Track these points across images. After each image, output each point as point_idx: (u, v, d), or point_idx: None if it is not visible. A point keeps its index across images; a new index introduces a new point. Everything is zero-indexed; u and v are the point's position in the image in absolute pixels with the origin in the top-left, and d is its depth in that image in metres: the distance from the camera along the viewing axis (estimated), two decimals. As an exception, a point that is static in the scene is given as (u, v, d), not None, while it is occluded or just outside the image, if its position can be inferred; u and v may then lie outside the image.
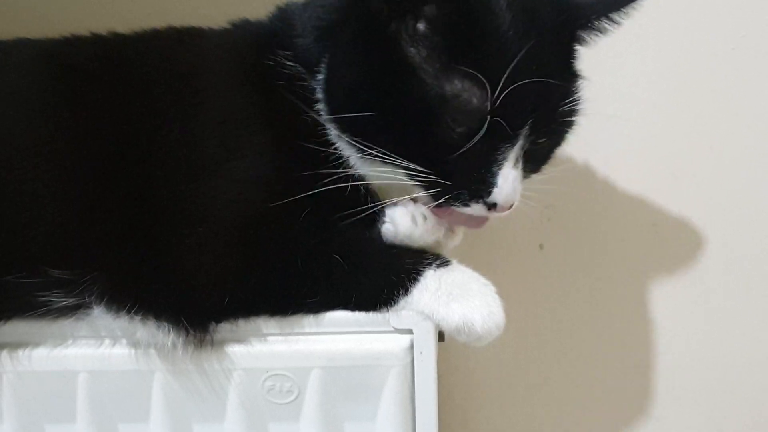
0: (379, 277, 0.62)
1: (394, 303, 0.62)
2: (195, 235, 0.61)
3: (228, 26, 0.71)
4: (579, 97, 0.64)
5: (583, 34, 0.67)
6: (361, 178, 0.64)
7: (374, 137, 0.61)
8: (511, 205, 0.62)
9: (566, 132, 0.66)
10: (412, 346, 0.63)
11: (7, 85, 0.66)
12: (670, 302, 0.97)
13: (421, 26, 0.59)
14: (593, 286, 0.97)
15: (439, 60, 0.58)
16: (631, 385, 1.01)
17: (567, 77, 0.64)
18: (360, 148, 0.61)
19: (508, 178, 0.60)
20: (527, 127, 0.60)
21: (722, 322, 0.98)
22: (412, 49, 0.59)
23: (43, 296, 0.61)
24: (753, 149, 0.92)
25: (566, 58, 0.65)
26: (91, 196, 0.63)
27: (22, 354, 0.64)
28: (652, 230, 0.95)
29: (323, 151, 0.63)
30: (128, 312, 0.61)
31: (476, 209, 0.62)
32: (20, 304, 0.62)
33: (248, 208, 0.62)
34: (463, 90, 0.58)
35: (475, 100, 0.58)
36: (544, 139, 0.63)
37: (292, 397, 0.64)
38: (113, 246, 0.62)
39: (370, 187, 0.65)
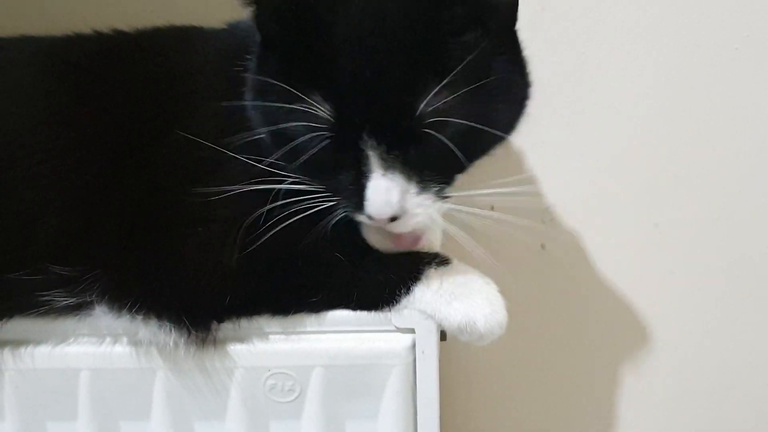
0: (381, 275, 0.62)
1: (396, 302, 0.62)
2: (196, 235, 0.61)
3: (224, 26, 0.71)
4: (446, 92, 0.54)
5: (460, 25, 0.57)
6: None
7: (271, 152, 0.60)
8: (394, 218, 0.57)
9: (471, 131, 0.56)
10: (413, 345, 0.63)
11: (10, 82, 0.66)
12: (672, 302, 0.97)
13: (284, 43, 0.58)
14: (595, 286, 0.97)
15: (294, 77, 0.56)
16: (632, 385, 1.01)
17: (423, 75, 0.54)
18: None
19: (377, 189, 0.56)
20: (367, 137, 0.55)
21: (724, 323, 0.98)
22: (281, 65, 0.58)
23: (45, 295, 0.61)
24: (756, 149, 0.92)
25: (423, 59, 0.55)
26: (93, 194, 0.63)
27: (24, 351, 0.64)
28: (653, 230, 0.95)
29: None
30: (130, 311, 0.61)
31: (363, 220, 0.59)
32: (22, 302, 0.62)
33: (249, 208, 0.62)
34: (307, 105, 0.55)
35: (316, 114, 0.55)
36: (415, 148, 0.56)
37: (293, 396, 0.64)
38: (115, 244, 0.62)
39: None
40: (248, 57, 0.63)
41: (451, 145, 0.55)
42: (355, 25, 0.55)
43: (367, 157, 0.56)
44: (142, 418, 0.65)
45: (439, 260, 0.63)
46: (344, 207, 0.59)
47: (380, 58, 0.54)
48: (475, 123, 0.55)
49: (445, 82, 0.54)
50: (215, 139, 0.63)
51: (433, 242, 0.67)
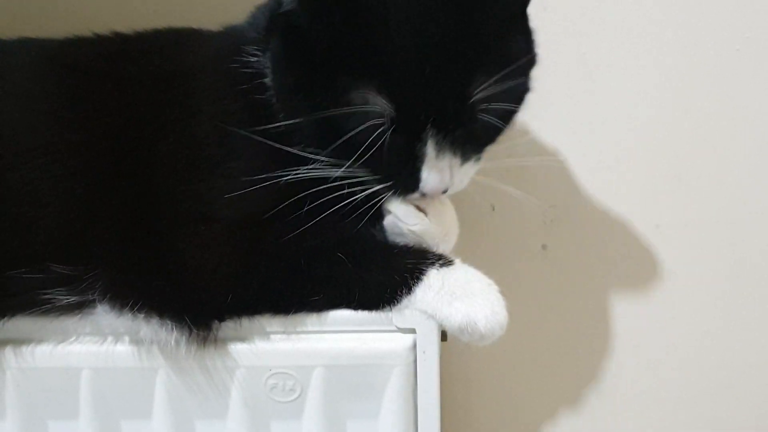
0: (383, 276, 0.62)
1: (397, 302, 0.62)
2: (197, 234, 0.61)
3: (222, 28, 0.71)
4: (493, 77, 0.58)
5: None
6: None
7: (308, 142, 0.61)
8: (446, 190, 0.63)
9: (507, 110, 0.63)
10: (414, 346, 0.63)
11: (11, 84, 0.66)
12: (673, 303, 0.97)
13: (326, 34, 0.58)
14: (596, 287, 0.97)
15: (341, 69, 0.58)
16: (633, 386, 1.01)
17: (477, 62, 0.59)
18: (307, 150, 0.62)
19: (432, 171, 0.61)
20: (430, 126, 0.59)
21: (725, 324, 0.98)
22: (323, 57, 0.58)
23: (47, 294, 0.61)
24: (757, 150, 0.92)
25: (479, 38, 0.59)
26: (94, 194, 0.63)
27: (25, 350, 0.64)
28: (655, 231, 0.95)
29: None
30: (131, 310, 0.61)
31: (413, 198, 0.64)
32: (24, 301, 0.62)
33: (250, 207, 0.62)
34: (364, 100, 0.57)
35: (376, 107, 0.57)
36: (463, 130, 0.61)
37: (294, 396, 0.64)
38: (116, 243, 0.62)
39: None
40: (245, 55, 0.63)
41: (498, 124, 0.62)
42: (406, 18, 0.57)
43: (423, 143, 0.60)
44: (143, 417, 0.65)
45: (442, 261, 0.63)
46: (394, 190, 0.62)
47: (437, 53, 0.58)
48: (511, 104, 0.62)
49: (491, 73, 0.59)
50: (216, 137, 0.63)
51: (451, 238, 0.68)
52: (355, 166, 0.61)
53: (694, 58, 0.90)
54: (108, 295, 0.61)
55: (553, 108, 0.90)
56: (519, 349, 0.99)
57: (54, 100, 0.65)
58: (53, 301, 0.62)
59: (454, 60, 0.58)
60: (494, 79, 0.58)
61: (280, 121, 0.62)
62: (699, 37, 0.89)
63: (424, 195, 0.63)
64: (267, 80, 0.64)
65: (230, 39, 0.68)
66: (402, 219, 0.64)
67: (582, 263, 0.96)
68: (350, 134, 0.58)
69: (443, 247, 0.66)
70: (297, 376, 0.63)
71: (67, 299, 0.61)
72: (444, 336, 0.66)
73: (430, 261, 0.63)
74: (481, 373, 1.01)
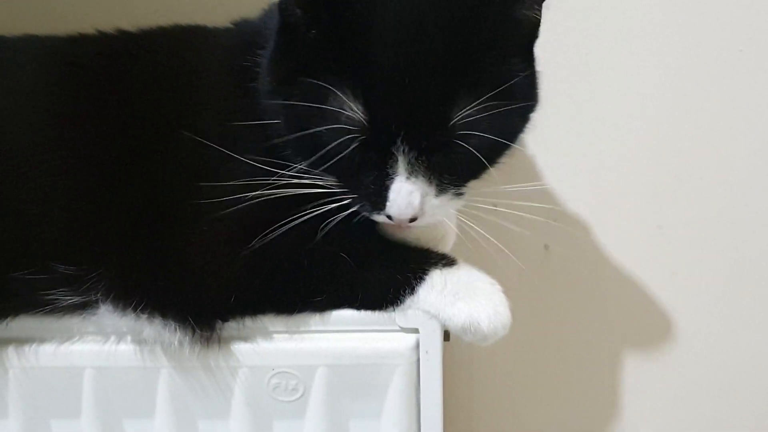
0: (386, 275, 0.62)
1: (400, 302, 0.62)
2: (201, 234, 0.61)
3: (229, 25, 0.71)
4: (478, 105, 0.56)
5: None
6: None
7: (287, 145, 0.60)
8: (414, 218, 0.59)
9: (494, 144, 0.58)
10: (417, 345, 0.63)
11: (15, 81, 0.66)
12: (675, 304, 0.97)
13: (313, 33, 0.57)
14: (598, 287, 0.97)
15: (322, 70, 0.56)
16: (635, 386, 1.01)
17: (460, 84, 0.56)
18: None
19: (401, 192, 0.57)
20: (401, 143, 0.56)
21: (727, 324, 0.98)
22: (307, 56, 0.58)
23: (50, 294, 0.61)
24: (759, 151, 0.92)
25: (470, 58, 0.57)
26: (98, 193, 0.63)
27: (28, 349, 0.64)
28: (657, 232, 0.95)
29: None
30: (134, 310, 0.61)
31: (381, 219, 0.61)
32: (27, 301, 0.62)
33: (253, 207, 0.62)
34: (339, 103, 0.56)
35: (348, 115, 0.56)
36: (440, 155, 0.58)
37: (297, 395, 0.64)
38: (120, 243, 0.62)
39: None
40: (259, 52, 0.63)
41: (478, 155, 0.58)
42: (393, 27, 0.56)
43: (394, 160, 0.57)
44: (145, 417, 0.65)
45: (445, 261, 0.63)
46: (362, 206, 0.60)
47: (419, 67, 0.55)
48: (498, 137, 0.58)
49: (477, 97, 0.56)
50: (221, 136, 0.63)
51: (447, 240, 0.68)
52: (326, 174, 0.59)
53: (697, 59, 0.90)
54: (111, 296, 0.61)
55: (556, 109, 0.90)
56: (521, 349, 0.99)
57: (58, 98, 0.65)
58: (56, 301, 0.62)
59: (435, 73, 0.56)
60: (478, 101, 0.55)
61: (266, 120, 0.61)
62: (701, 37, 0.89)
63: (389, 218, 0.59)
64: None
65: (241, 36, 0.68)
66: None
67: (584, 264, 0.96)
68: (321, 138, 0.57)
69: (439, 248, 0.66)
70: (300, 376, 0.63)
71: (71, 299, 0.61)
72: (447, 336, 0.66)
73: (434, 261, 0.63)
74: (484, 372, 1.01)
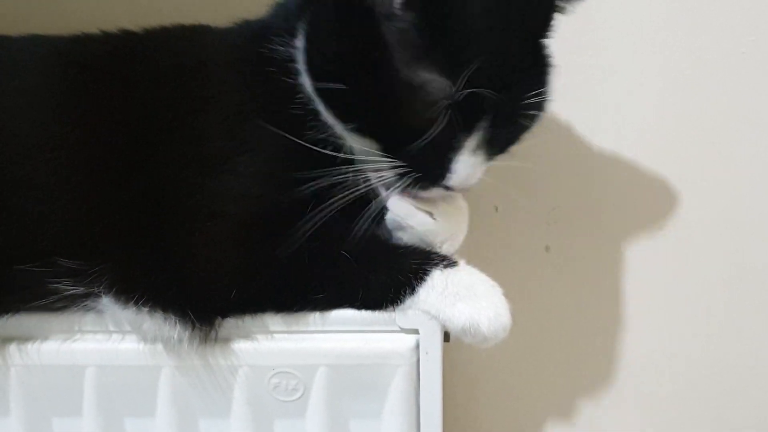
0: (386, 275, 0.62)
1: (401, 302, 0.62)
2: (203, 230, 0.62)
3: (233, 24, 0.71)
4: (546, 85, 0.63)
5: (563, 4, 0.66)
6: (360, 172, 0.64)
7: (346, 110, 0.62)
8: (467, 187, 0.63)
9: (534, 118, 0.65)
10: (417, 346, 0.63)
11: (20, 80, 0.66)
12: (676, 306, 0.97)
13: (397, 5, 0.58)
14: (599, 289, 0.97)
15: (410, 44, 0.58)
16: (635, 388, 1.01)
17: (535, 66, 0.63)
18: (339, 121, 0.62)
19: (466, 165, 0.61)
20: (486, 121, 0.60)
21: (728, 327, 0.98)
22: (387, 27, 0.59)
23: (53, 284, 0.61)
24: (761, 154, 0.92)
25: (536, 46, 0.64)
26: (102, 190, 0.63)
27: (30, 347, 0.64)
28: (658, 234, 0.95)
29: (320, 144, 0.63)
30: (136, 303, 0.61)
31: (433, 192, 0.63)
32: (30, 292, 0.62)
33: (256, 204, 0.62)
34: (428, 81, 0.58)
35: (438, 92, 0.58)
36: (506, 129, 0.63)
37: (297, 395, 0.64)
38: (124, 238, 0.62)
39: (369, 180, 0.65)
40: (274, 40, 0.64)
41: (527, 129, 0.64)
42: (487, 13, 0.58)
43: (468, 136, 0.60)
44: (146, 415, 0.65)
45: (446, 262, 0.63)
46: (416, 179, 0.62)
47: (513, 51, 0.60)
48: (540, 112, 0.64)
49: (546, 79, 0.63)
50: (228, 131, 0.63)
51: (458, 239, 0.68)
52: (388, 146, 0.61)
53: (700, 61, 0.90)
54: (113, 288, 0.61)
55: (557, 110, 0.90)
56: (522, 351, 0.99)
57: (62, 96, 0.65)
58: (59, 291, 0.62)
59: (526, 57, 0.61)
60: (546, 87, 0.62)
61: (307, 93, 0.63)
62: (704, 40, 0.89)
63: (447, 188, 0.63)
64: (296, 64, 0.64)
65: (249, 32, 0.69)
66: (403, 219, 0.64)
67: (585, 265, 0.96)
68: (407, 115, 0.59)
69: (447, 248, 0.66)
70: (300, 376, 0.63)
71: (73, 290, 0.62)
72: (446, 337, 0.67)
73: (435, 262, 0.63)
74: (484, 374, 1.01)
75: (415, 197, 0.64)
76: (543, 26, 0.64)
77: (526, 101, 0.61)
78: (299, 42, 0.64)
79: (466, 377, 1.00)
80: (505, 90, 0.59)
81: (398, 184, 0.62)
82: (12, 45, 0.69)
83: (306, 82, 0.64)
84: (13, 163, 0.62)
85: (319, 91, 0.62)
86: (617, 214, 0.95)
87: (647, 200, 0.94)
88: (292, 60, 0.65)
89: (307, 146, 0.63)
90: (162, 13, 0.74)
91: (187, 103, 0.65)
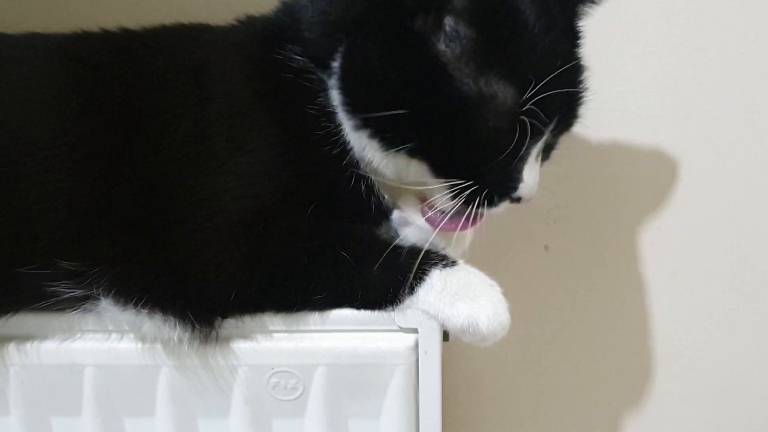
0: (386, 275, 0.62)
1: (400, 302, 0.62)
2: (203, 231, 0.61)
3: (234, 23, 0.71)
4: (586, 79, 0.64)
5: (583, 8, 0.67)
6: (363, 174, 0.64)
7: (404, 136, 0.61)
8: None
9: (578, 118, 0.66)
10: (417, 345, 0.63)
11: (19, 78, 0.66)
12: (675, 305, 0.97)
13: (450, 22, 0.59)
14: (598, 288, 0.97)
15: (472, 59, 0.58)
16: (634, 387, 1.01)
17: (579, 63, 0.64)
18: (385, 145, 0.62)
19: (532, 172, 0.61)
20: (554, 123, 0.61)
21: (728, 325, 0.98)
22: (442, 46, 0.59)
23: (52, 287, 0.61)
24: (760, 152, 0.92)
25: (575, 41, 0.65)
26: (101, 190, 0.63)
27: (29, 347, 0.64)
28: (657, 233, 0.95)
29: (327, 146, 0.63)
30: (135, 305, 0.61)
31: (502, 207, 0.63)
32: (29, 295, 0.62)
33: (256, 204, 0.62)
34: (498, 91, 0.58)
35: (509, 101, 0.58)
36: (564, 131, 0.64)
37: (296, 394, 0.64)
38: (122, 239, 0.62)
39: (373, 184, 0.65)
40: (289, 47, 0.64)
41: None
42: (538, 15, 0.59)
43: (534, 143, 0.61)
44: (146, 415, 0.65)
45: (445, 262, 0.63)
46: (486, 193, 0.61)
47: (564, 50, 0.60)
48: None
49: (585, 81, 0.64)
50: (228, 131, 0.63)
51: (465, 240, 0.69)
52: (446, 166, 0.61)
53: (699, 61, 0.90)
54: (112, 290, 0.61)
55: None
56: (521, 350, 0.99)
57: (61, 95, 0.65)
58: (58, 294, 0.62)
59: (572, 63, 0.61)
60: (585, 90, 0.63)
61: (331, 110, 0.62)
62: (703, 40, 0.89)
63: (516, 201, 0.62)
64: (317, 76, 0.64)
65: (256, 32, 0.69)
66: (410, 216, 0.64)
67: (584, 264, 0.96)
68: (479, 123, 0.58)
69: (455, 249, 0.66)
70: (299, 375, 0.64)
71: (72, 292, 0.62)
72: (446, 336, 0.67)
73: (434, 261, 0.63)
74: (483, 373, 1.01)
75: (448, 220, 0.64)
76: (576, 17, 0.65)
77: (580, 101, 0.62)
78: (332, 70, 0.63)
79: (465, 376, 1.00)
80: (567, 94, 0.60)
81: (458, 203, 0.62)
82: (11, 42, 0.69)
83: (337, 103, 0.63)
84: (11, 162, 0.62)
85: (367, 119, 0.61)
86: (616, 213, 0.95)
87: (646, 199, 0.94)
88: (311, 73, 0.64)
89: (309, 148, 0.63)
90: (162, 12, 0.74)
91: (186, 102, 0.64)
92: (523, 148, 0.60)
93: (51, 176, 0.62)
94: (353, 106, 0.62)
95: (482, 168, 0.61)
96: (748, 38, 0.89)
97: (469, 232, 0.69)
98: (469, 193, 0.61)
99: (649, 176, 0.93)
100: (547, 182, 0.93)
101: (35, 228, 0.62)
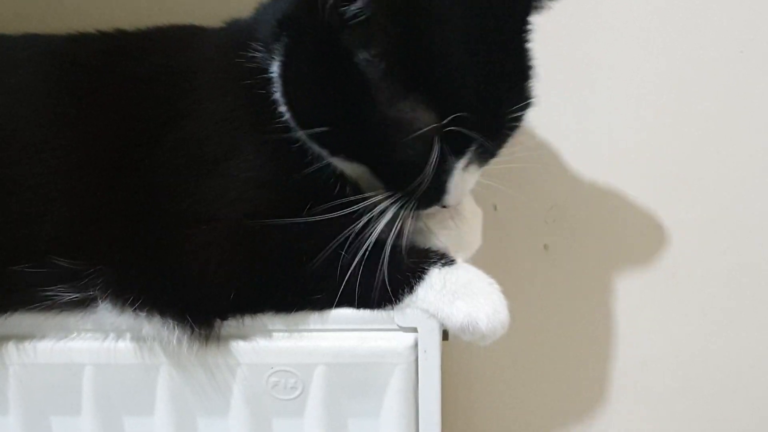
0: (384, 274, 0.62)
1: (399, 301, 0.62)
2: (199, 233, 0.61)
3: (222, 24, 0.71)
4: (530, 93, 0.62)
5: (537, 5, 0.64)
6: (340, 173, 0.64)
7: (332, 146, 0.61)
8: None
9: (520, 125, 0.63)
10: (416, 345, 0.63)
11: (14, 80, 0.66)
12: (676, 303, 0.97)
13: (373, 42, 0.57)
14: (597, 287, 0.97)
15: (391, 82, 0.57)
16: (634, 386, 1.01)
17: (519, 78, 0.62)
18: (324, 150, 0.62)
19: (458, 183, 0.61)
20: (475, 144, 0.60)
21: (727, 325, 0.98)
22: (365, 68, 0.57)
23: (48, 291, 0.61)
24: (760, 152, 0.92)
25: (517, 55, 0.62)
26: (98, 190, 0.63)
27: (28, 346, 0.64)
28: (657, 232, 0.95)
29: (297, 146, 0.63)
30: (133, 308, 0.61)
31: (431, 210, 0.64)
32: (25, 297, 0.62)
33: (251, 206, 0.62)
34: (416, 116, 0.57)
35: (427, 125, 0.57)
36: (495, 144, 0.63)
37: (296, 394, 0.64)
38: (119, 239, 0.62)
39: (346, 182, 0.65)
40: (251, 48, 0.63)
41: (513, 136, 0.63)
42: (464, 39, 0.57)
43: (457, 160, 0.60)
44: (145, 414, 0.65)
45: (444, 261, 0.63)
46: (413, 203, 0.61)
47: (490, 70, 0.58)
48: (525, 117, 0.63)
49: (530, 94, 0.61)
50: (218, 135, 0.63)
51: (474, 246, 0.69)
52: (378, 175, 0.61)
53: (698, 60, 0.90)
54: (109, 291, 0.61)
55: (555, 109, 0.90)
56: (520, 349, 0.99)
57: (57, 95, 0.65)
58: (55, 298, 0.62)
59: (502, 83, 0.59)
60: (527, 104, 0.61)
61: (289, 127, 0.62)
62: (702, 39, 0.89)
63: (444, 207, 0.63)
64: (272, 75, 0.63)
65: (233, 36, 0.68)
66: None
67: (584, 263, 0.96)
68: (398, 146, 0.58)
69: (462, 255, 0.66)
70: (299, 374, 0.64)
71: (69, 296, 0.62)
72: (445, 335, 0.67)
73: (432, 260, 0.63)
74: (483, 372, 1.01)
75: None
76: (521, 31, 0.63)
77: (513, 116, 0.61)
78: (274, 67, 0.62)
79: (464, 375, 1.00)
80: (491, 113, 0.59)
81: (394, 209, 0.62)
82: (6, 44, 0.69)
83: (283, 106, 0.62)
84: (7, 161, 0.62)
85: (300, 126, 0.61)
86: (615, 212, 0.95)
87: (645, 199, 0.94)
88: (265, 72, 0.63)
89: (287, 150, 0.63)
90: (161, 12, 0.74)
91: (177, 105, 0.64)
92: (445, 164, 0.60)
93: (47, 176, 0.62)
94: (291, 116, 0.62)
95: (406, 182, 0.60)
96: (747, 37, 0.89)
97: (478, 237, 0.70)
98: (399, 201, 0.61)
99: (648, 175, 0.93)
100: (547, 182, 0.94)
101: (31, 226, 0.62)
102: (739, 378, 1.00)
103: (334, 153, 0.62)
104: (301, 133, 0.62)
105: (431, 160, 0.58)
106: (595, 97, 0.91)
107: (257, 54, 0.64)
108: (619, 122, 0.92)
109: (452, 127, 0.57)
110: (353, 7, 0.55)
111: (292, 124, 0.62)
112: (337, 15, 0.56)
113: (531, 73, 0.63)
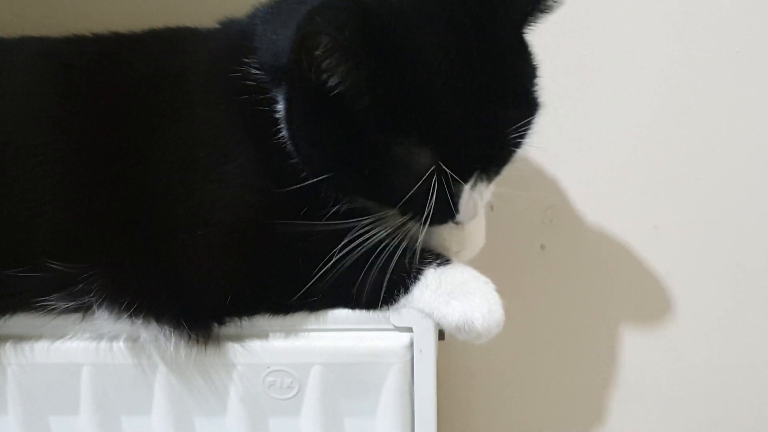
0: (380, 275, 0.62)
1: (395, 301, 0.62)
2: (194, 237, 0.61)
3: (217, 25, 0.70)
4: (533, 108, 0.61)
5: (531, 21, 0.62)
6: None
7: (340, 189, 0.61)
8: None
9: (525, 140, 0.62)
10: (412, 344, 0.63)
11: (9, 82, 0.66)
12: (672, 304, 0.97)
13: (364, 102, 0.57)
14: (594, 287, 0.97)
15: (384, 129, 0.57)
16: (631, 386, 1.01)
17: (516, 96, 0.60)
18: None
19: (469, 202, 0.61)
20: (475, 175, 0.60)
21: (722, 325, 0.98)
22: (356, 115, 0.57)
23: (43, 300, 0.61)
24: (755, 152, 0.92)
25: (514, 66, 0.61)
26: (92, 193, 0.63)
27: (26, 346, 0.64)
28: (653, 232, 0.95)
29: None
30: (128, 313, 0.61)
31: (446, 227, 0.64)
32: (21, 302, 0.62)
33: (245, 211, 0.62)
34: (411, 158, 0.57)
35: (422, 161, 0.57)
36: (500, 164, 0.62)
37: (292, 393, 0.64)
38: (113, 243, 0.62)
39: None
40: (246, 60, 0.63)
41: (520, 149, 0.62)
42: (448, 70, 0.56)
43: (462, 184, 0.60)
44: (142, 414, 0.66)
45: (439, 261, 0.63)
46: (427, 222, 0.61)
47: (479, 100, 0.57)
48: (530, 130, 0.62)
49: (531, 113, 0.61)
50: (212, 140, 0.63)
51: (472, 250, 0.69)
52: (391, 206, 0.61)
53: (694, 61, 0.90)
54: (105, 296, 0.61)
55: (552, 110, 0.90)
56: (516, 349, 0.99)
57: (51, 98, 0.65)
58: (50, 306, 0.62)
59: (495, 106, 0.58)
60: (529, 119, 0.60)
61: (302, 173, 0.61)
62: (698, 39, 0.89)
63: (457, 224, 0.63)
64: (273, 96, 0.63)
65: (227, 41, 0.68)
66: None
67: (580, 263, 0.97)
68: (401, 186, 0.58)
69: (464, 256, 0.67)
70: (295, 374, 0.64)
71: (65, 305, 0.62)
72: (441, 335, 0.67)
73: (428, 260, 0.63)
74: (478, 371, 1.01)
75: None
76: (515, 43, 0.61)
77: (515, 135, 0.59)
78: (280, 106, 0.62)
79: (460, 374, 1.01)
80: (489, 140, 0.59)
81: (408, 229, 0.62)
82: (1, 46, 0.69)
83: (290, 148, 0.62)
84: (2, 163, 0.62)
85: (309, 172, 0.61)
86: (612, 212, 0.95)
87: (643, 198, 0.94)
88: (266, 91, 0.63)
89: (282, 159, 0.62)
90: (160, 13, 0.74)
91: (171, 109, 0.64)
92: (452, 190, 0.59)
93: (42, 179, 0.62)
94: (297, 157, 0.62)
95: (416, 211, 0.61)
96: (743, 38, 0.89)
97: (482, 236, 0.70)
98: (410, 220, 0.62)
99: (644, 175, 0.93)
100: (543, 182, 0.94)
101: (26, 229, 0.62)
102: (739, 378, 1.00)
103: (344, 195, 0.62)
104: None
105: (431, 195, 0.58)
106: (591, 97, 0.91)
107: (256, 72, 0.63)
108: (616, 122, 0.92)
109: (450, 161, 0.57)
110: (330, 63, 0.55)
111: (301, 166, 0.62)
112: (321, 71, 0.56)
113: (533, 83, 0.62)
